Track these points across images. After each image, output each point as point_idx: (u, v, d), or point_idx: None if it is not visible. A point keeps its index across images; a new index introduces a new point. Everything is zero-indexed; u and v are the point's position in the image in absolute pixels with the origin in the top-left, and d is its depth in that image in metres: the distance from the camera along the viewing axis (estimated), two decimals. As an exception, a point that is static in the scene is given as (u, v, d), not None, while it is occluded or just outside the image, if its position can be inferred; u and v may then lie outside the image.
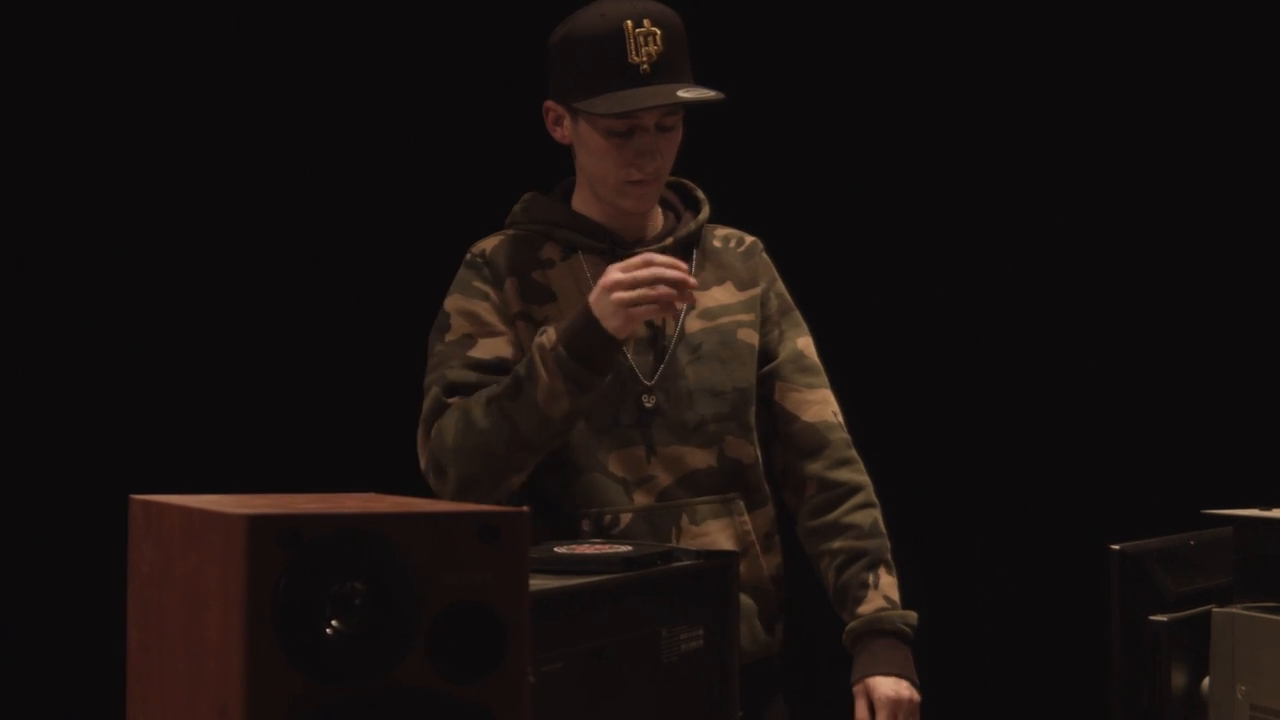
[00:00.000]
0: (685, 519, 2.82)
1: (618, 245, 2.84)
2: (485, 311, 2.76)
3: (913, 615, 2.85)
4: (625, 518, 2.78)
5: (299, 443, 4.26)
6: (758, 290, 2.94)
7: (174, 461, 4.20)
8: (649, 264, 2.53)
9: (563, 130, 2.80)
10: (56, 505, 4.20)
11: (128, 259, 4.29)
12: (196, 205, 4.33)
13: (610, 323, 2.52)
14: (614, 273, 2.54)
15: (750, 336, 2.91)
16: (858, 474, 2.95)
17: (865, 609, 2.82)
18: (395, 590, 1.73)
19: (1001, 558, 4.28)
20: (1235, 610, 2.41)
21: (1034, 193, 4.48)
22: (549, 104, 2.80)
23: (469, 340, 2.76)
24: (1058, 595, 4.06)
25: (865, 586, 2.83)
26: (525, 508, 1.82)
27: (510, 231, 2.86)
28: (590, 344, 2.54)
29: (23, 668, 4.19)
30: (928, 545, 4.27)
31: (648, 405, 2.80)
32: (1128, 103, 4.48)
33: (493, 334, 2.75)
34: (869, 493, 2.93)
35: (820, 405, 2.95)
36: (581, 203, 2.87)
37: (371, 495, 2.07)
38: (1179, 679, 2.46)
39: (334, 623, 1.71)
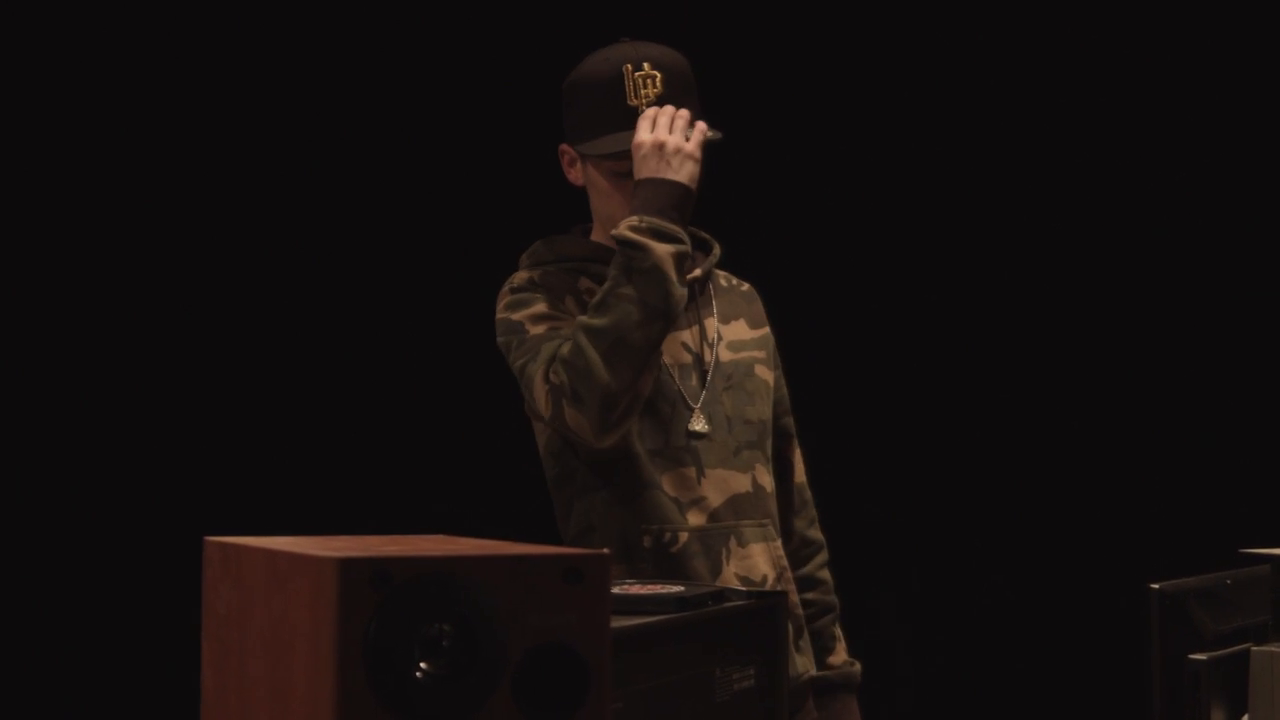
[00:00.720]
0: (733, 541, 2.90)
1: None
2: (554, 308, 2.80)
3: (860, 667, 3.13)
4: (683, 536, 2.86)
5: (348, 481, 4.24)
6: (766, 330, 3.06)
7: (213, 501, 4.18)
8: (664, 114, 2.63)
9: (575, 172, 2.88)
10: (107, 546, 4.17)
11: (192, 302, 4.27)
12: (271, 268, 4.31)
13: (681, 174, 2.62)
14: (646, 134, 2.61)
15: (766, 374, 3.02)
16: (821, 533, 3.20)
17: (835, 660, 3.12)
18: (482, 632, 1.75)
19: (1039, 596, 4.28)
20: (1274, 649, 2.45)
21: (1064, 219, 4.46)
22: (563, 147, 2.89)
23: (555, 322, 2.78)
24: (1096, 634, 4.08)
25: (834, 639, 3.13)
26: (606, 550, 1.84)
27: (544, 267, 2.89)
28: (675, 202, 2.64)
29: (93, 704, 4.17)
30: (968, 586, 4.30)
31: (695, 429, 2.88)
32: (1145, 120, 4.45)
33: (569, 318, 2.78)
34: (827, 552, 3.20)
35: (801, 464, 3.18)
36: (601, 239, 2.91)
37: (443, 536, 2.09)
38: (1218, 717, 2.48)
39: (422, 665, 1.73)
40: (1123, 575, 3.19)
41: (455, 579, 1.75)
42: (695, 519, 2.87)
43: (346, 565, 1.71)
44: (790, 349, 3.16)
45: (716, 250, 3.01)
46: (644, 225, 2.64)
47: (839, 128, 4.48)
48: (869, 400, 4.49)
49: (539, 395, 2.73)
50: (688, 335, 2.91)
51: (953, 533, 4.42)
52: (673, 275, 2.65)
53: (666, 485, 2.85)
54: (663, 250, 2.64)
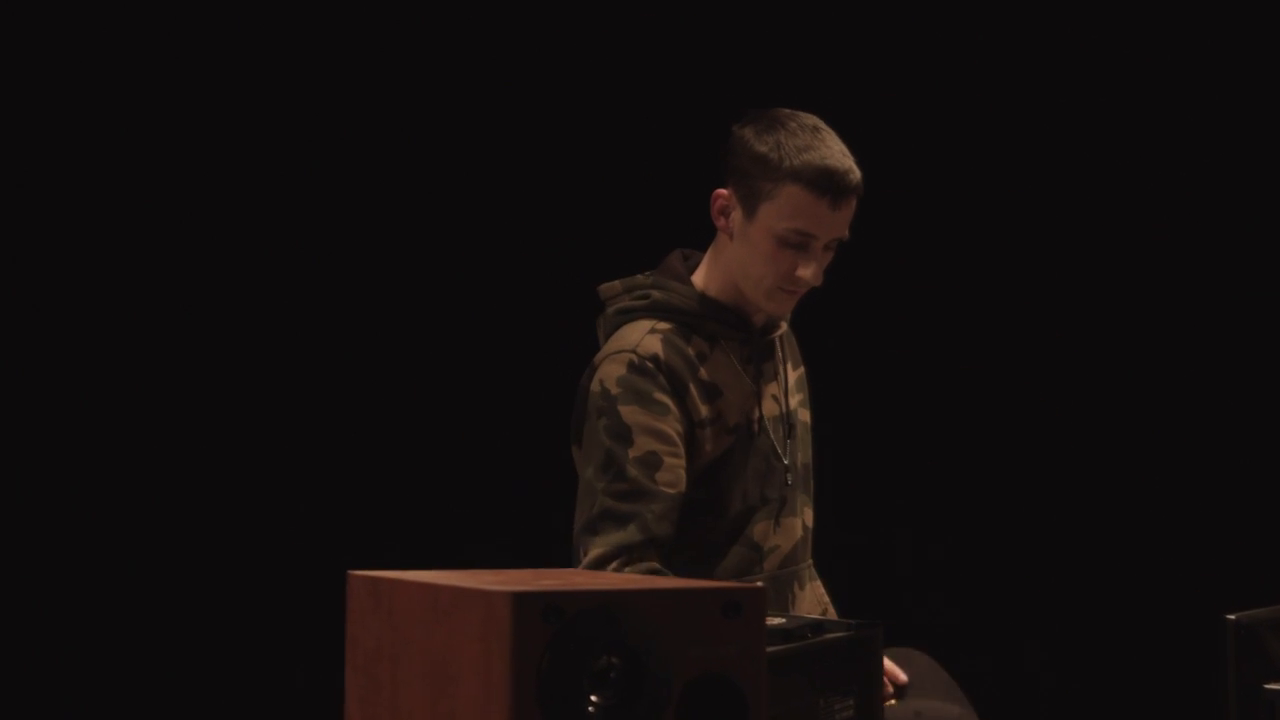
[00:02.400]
0: (796, 584, 2.91)
1: (751, 334, 2.88)
2: (669, 427, 2.73)
3: None
4: (759, 584, 2.85)
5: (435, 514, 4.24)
6: (803, 370, 3.05)
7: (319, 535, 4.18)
8: None
9: (727, 221, 2.82)
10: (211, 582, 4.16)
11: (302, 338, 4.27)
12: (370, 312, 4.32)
13: None
14: None
15: (807, 416, 3.03)
16: None
17: None
18: (648, 664, 1.79)
19: (1114, 627, 4.28)
20: (1351, 679, 2.50)
21: (1123, 253, 4.45)
22: (721, 192, 2.82)
23: (654, 460, 2.71)
24: (1171, 664, 4.11)
25: None
26: (760, 584, 1.88)
27: (654, 324, 2.82)
28: None
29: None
30: (1042, 618, 4.33)
31: (789, 482, 2.90)
32: (1183, 129, 4.44)
33: (675, 454, 2.72)
34: None
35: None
36: (708, 282, 2.88)
37: (570, 570, 2.13)
38: (1294, 746, 2.53)
39: (593, 696, 1.76)
40: (1197, 606, 3.23)
41: (622, 613, 1.79)
42: (770, 565, 2.86)
43: (520, 599, 1.74)
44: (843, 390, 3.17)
45: None
46: None
47: (840, 128, 4.48)
48: (932, 433, 4.47)
49: (594, 548, 2.68)
50: (775, 387, 2.92)
51: (1027, 565, 4.40)
52: None
53: (757, 536, 2.85)
54: None
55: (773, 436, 2.87)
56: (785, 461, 2.89)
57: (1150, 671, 4.22)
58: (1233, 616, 2.55)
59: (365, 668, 1.98)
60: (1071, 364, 4.47)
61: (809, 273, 2.76)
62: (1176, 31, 4.41)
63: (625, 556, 2.64)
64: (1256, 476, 4.28)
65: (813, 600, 2.96)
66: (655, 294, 2.85)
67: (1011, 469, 4.44)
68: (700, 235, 2.95)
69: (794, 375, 3.00)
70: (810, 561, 3.01)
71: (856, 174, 2.78)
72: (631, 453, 2.69)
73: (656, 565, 2.68)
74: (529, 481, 3.74)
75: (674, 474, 2.71)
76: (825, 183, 2.72)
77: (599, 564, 2.65)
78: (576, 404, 2.86)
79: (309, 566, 3.92)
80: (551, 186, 4.33)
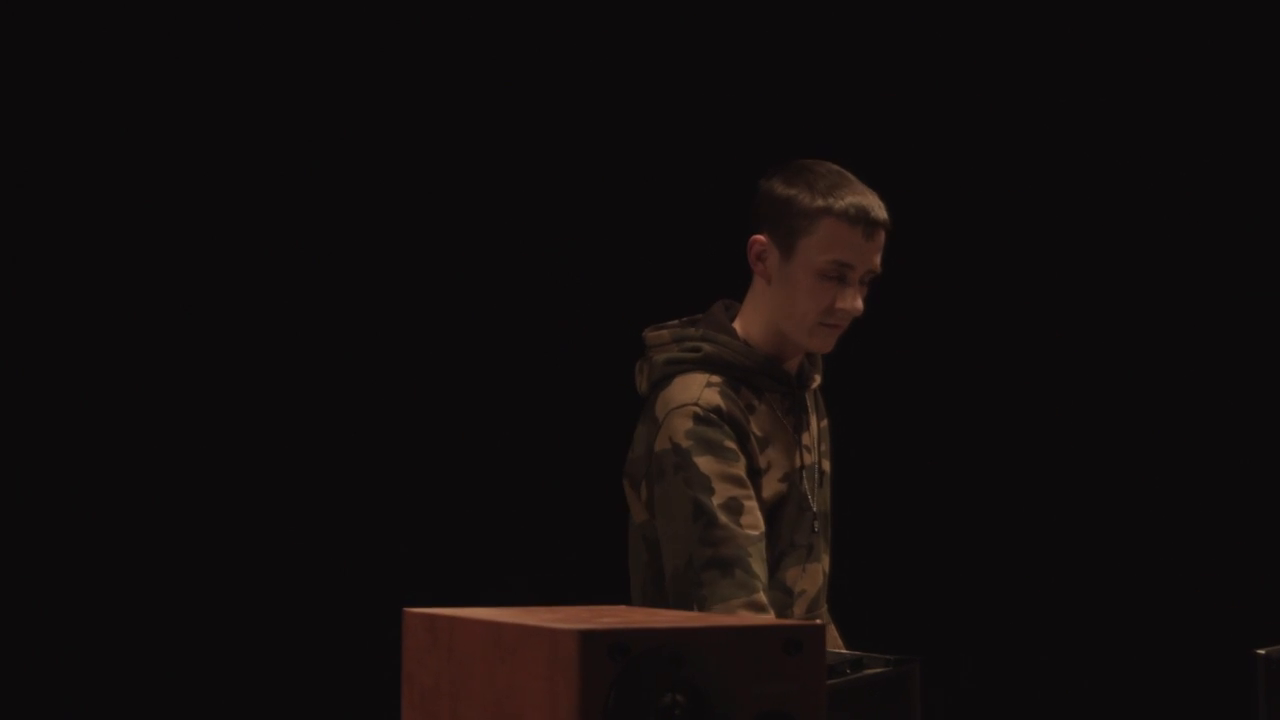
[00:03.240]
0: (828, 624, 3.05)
1: (792, 387, 2.97)
2: (742, 471, 2.80)
3: None
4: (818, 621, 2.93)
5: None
6: (827, 421, 3.14)
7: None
8: None
9: (764, 265, 2.91)
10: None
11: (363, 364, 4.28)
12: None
13: None
14: None
15: (828, 466, 3.11)
16: None
17: None
18: (712, 702, 1.80)
19: (1144, 665, 4.28)
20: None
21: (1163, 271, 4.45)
22: (758, 238, 2.90)
23: (737, 505, 2.78)
24: (1199, 700, 4.12)
25: None
26: (820, 621, 1.89)
27: (709, 378, 2.88)
28: None
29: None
30: (1070, 654, 4.34)
31: (815, 529, 2.98)
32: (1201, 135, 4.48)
33: (750, 498, 2.80)
34: None
35: None
36: (749, 331, 2.94)
37: (626, 607, 2.14)
38: (1324, 781, 2.55)
39: (658, 734, 1.77)
40: (1225, 641, 3.25)
41: (686, 651, 1.80)
42: (799, 609, 2.93)
43: (586, 637, 1.76)
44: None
45: (820, 360, 3.09)
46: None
47: (840, 130, 4.50)
48: (962, 469, 4.48)
49: (694, 596, 2.75)
50: (807, 437, 2.99)
51: (1054, 606, 4.40)
52: None
53: (789, 580, 2.91)
54: None
55: (805, 485, 2.96)
56: (814, 509, 2.97)
57: (1178, 707, 4.24)
58: (1262, 651, 2.57)
59: (422, 705, 1.99)
60: (1090, 394, 4.49)
61: (849, 304, 2.84)
62: (1176, 32, 4.43)
63: (751, 609, 2.70)
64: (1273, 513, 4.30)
65: (830, 643, 3.00)
66: (706, 347, 2.90)
67: (1036, 500, 4.46)
68: (734, 282, 3.01)
69: (819, 426, 3.07)
70: (826, 607, 3.07)
71: (884, 209, 2.89)
72: (715, 500, 2.75)
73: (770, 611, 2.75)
74: (567, 517, 3.76)
75: (754, 516, 2.78)
76: (858, 214, 2.83)
77: (737, 605, 2.71)
78: (638, 454, 2.91)
79: (352, 603, 3.96)
80: (600, 236, 4.38)
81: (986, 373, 4.56)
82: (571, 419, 4.18)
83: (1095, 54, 4.50)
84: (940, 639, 3.21)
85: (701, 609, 2.73)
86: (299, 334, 4.23)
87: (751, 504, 2.79)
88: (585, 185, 4.40)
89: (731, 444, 2.79)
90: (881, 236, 2.87)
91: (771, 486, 2.87)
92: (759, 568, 2.75)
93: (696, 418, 2.80)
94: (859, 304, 2.87)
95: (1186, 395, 4.44)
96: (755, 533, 2.77)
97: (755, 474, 2.84)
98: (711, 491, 2.76)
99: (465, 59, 4.34)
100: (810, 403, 3.04)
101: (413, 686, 2.01)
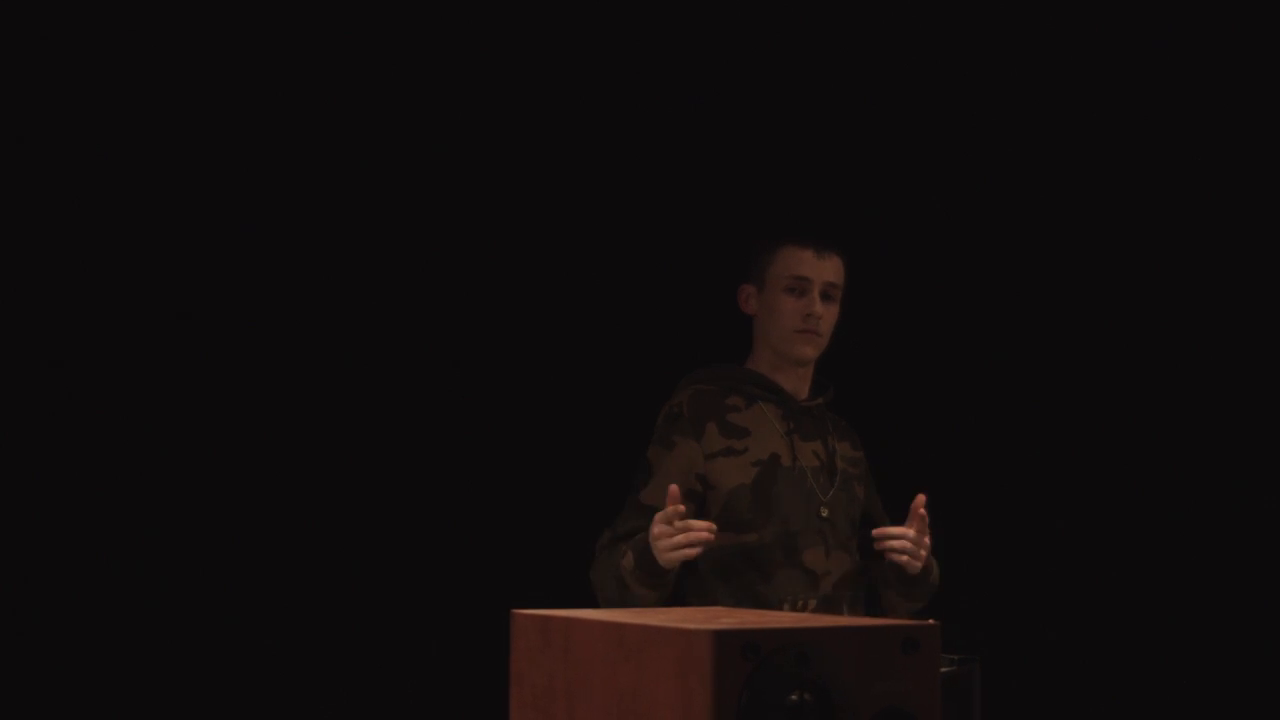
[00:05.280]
0: (845, 609, 3.33)
1: (786, 399, 3.44)
2: (671, 461, 3.32)
3: None
4: (812, 603, 3.29)
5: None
6: (862, 454, 3.59)
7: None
8: (685, 529, 3.07)
9: (751, 304, 3.47)
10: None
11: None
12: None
13: (661, 558, 3.10)
14: (656, 526, 3.09)
15: (859, 490, 3.52)
16: None
17: None
18: (837, 699, 1.84)
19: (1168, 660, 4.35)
20: None
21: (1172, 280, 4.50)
22: (744, 286, 3.48)
23: (644, 486, 3.33)
24: (1228, 692, 4.19)
25: None
26: (933, 620, 1.94)
27: (697, 386, 3.43)
28: (653, 569, 3.13)
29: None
30: (1102, 652, 4.39)
31: (823, 515, 3.37)
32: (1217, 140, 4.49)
33: (665, 480, 3.26)
34: None
35: None
36: (757, 363, 3.48)
37: (719, 609, 2.17)
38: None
39: (788, 731, 1.81)
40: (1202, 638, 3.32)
41: (814, 649, 1.84)
42: (824, 589, 3.32)
43: (721, 638, 1.79)
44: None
45: (831, 391, 3.55)
46: (635, 572, 3.15)
47: (840, 131, 4.53)
48: (995, 474, 4.53)
49: (600, 545, 3.31)
50: (818, 445, 3.43)
51: (1071, 619, 4.46)
52: (639, 598, 3.19)
53: (807, 560, 3.31)
54: (637, 592, 3.18)
55: (813, 481, 3.38)
56: (824, 499, 3.38)
57: (1179, 707, 4.30)
58: None
59: (536, 704, 2.01)
60: (1079, 382, 4.55)
61: (813, 309, 3.38)
62: (1176, 32, 4.47)
63: (599, 551, 3.28)
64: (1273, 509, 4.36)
65: None
66: (701, 371, 3.48)
67: (1031, 492, 4.52)
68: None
69: (846, 449, 3.53)
70: (861, 595, 3.41)
71: (834, 244, 3.46)
72: (642, 491, 3.32)
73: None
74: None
75: (655, 496, 3.27)
76: (807, 238, 3.43)
77: (591, 570, 3.28)
78: None
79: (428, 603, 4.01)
80: (632, 280, 4.44)
81: (980, 373, 4.61)
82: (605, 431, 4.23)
83: (1095, 54, 4.54)
84: (980, 639, 3.25)
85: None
86: (392, 339, 4.27)
87: (656, 485, 3.31)
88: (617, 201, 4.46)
89: (678, 436, 3.32)
90: (835, 260, 3.43)
91: (745, 469, 3.31)
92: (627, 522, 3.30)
93: (666, 415, 3.39)
94: (818, 308, 3.38)
95: (1182, 388, 4.49)
96: (647, 501, 3.32)
97: (716, 455, 3.32)
98: (638, 490, 3.35)
99: (477, 78, 4.36)
100: (833, 430, 3.51)
101: (523, 686, 2.04)
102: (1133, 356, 4.56)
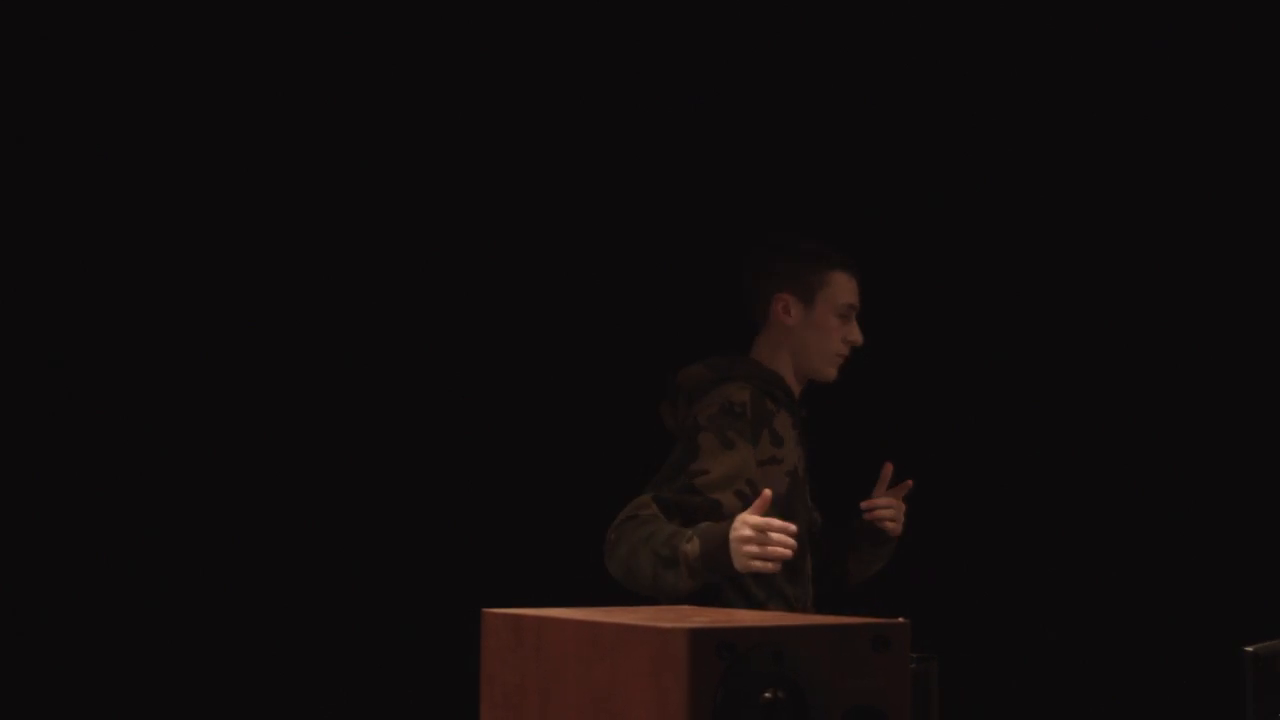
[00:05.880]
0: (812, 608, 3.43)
1: (797, 409, 3.49)
2: (730, 461, 3.29)
3: None
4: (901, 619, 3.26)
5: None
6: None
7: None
8: (779, 530, 3.04)
9: (789, 316, 3.49)
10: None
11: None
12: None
13: (738, 562, 3.04)
14: (746, 529, 3.04)
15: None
16: None
17: None
18: (810, 697, 1.86)
19: (1132, 661, 4.37)
20: (1362, 707, 2.64)
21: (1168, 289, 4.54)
22: (782, 295, 3.49)
23: (703, 474, 3.28)
24: (1188, 697, 4.21)
25: None
26: (903, 619, 1.96)
27: (753, 386, 3.41)
28: (720, 566, 3.07)
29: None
30: (1061, 647, 4.42)
31: (818, 521, 3.52)
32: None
33: (724, 474, 3.26)
34: None
35: None
36: (774, 366, 3.52)
37: (692, 607, 2.19)
38: (1310, 773, 2.67)
39: (762, 729, 1.83)
40: (1213, 639, 3.36)
41: (787, 647, 1.86)
42: (812, 595, 3.43)
43: (696, 636, 1.81)
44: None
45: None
46: (696, 564, 3.08)
47: (841, 133, 4.54)
48: (954, 475, 4.57)
49: (625, 512, 3.24)
50: (804, 452, 3.48)
51: (1041, 600, 4.48)
52: (679, 590, 3.11)
53: (809, 569, 3.40)
54: (684, 583, 3.10)
55: (808, 490, 3.47)
56: (814, 507, 3.49)
57: (1169, 704, 4.33)
58: (1251, 649, 2.69)
59: (507, 703, 2.02)
60: (1068, 386, 4.59)
61: (856, 336, 3.50)
62: (1176, 33, 4.50)
63: (633, 511, 3.21)
64: (1270, 510, 4.41)
65: None
66: (742, 364, 3.47)
67: (1024, 494, 4.56)
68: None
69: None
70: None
71: None
72: (716, 488, 3.28)
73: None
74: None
75: (707, 483, 3.28)
76: (853, 267, 3.54)
77: (615, 528, 3.20)
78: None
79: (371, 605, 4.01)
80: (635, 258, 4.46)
81: (969, 373, 4.64)
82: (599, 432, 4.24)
83: (1095, 54, 4.55)
84: (938, 637, 3.27)
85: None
86: (372, 337, 4.26)
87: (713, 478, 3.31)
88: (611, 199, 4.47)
89: (734, 435, 3.31)
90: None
91: (780, 480, 3.32)
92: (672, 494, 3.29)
93: (725, 408, 3.34)
94: (860, 338, 3.50)
95: (1174, 393, 4.53)
96: (699, 484, 3.31)
97: (765, 463, 3.33)
98: (695, 456, 3.32)
99: (481, 87, 4.39)
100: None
101: (494, 686, 2.04)
102: (1122, 357, 4.58)
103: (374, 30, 4.28)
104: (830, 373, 3.52)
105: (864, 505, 3.42)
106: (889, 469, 3.44)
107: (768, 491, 3.05)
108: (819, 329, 3.50)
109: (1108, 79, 4.61)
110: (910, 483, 3.45)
